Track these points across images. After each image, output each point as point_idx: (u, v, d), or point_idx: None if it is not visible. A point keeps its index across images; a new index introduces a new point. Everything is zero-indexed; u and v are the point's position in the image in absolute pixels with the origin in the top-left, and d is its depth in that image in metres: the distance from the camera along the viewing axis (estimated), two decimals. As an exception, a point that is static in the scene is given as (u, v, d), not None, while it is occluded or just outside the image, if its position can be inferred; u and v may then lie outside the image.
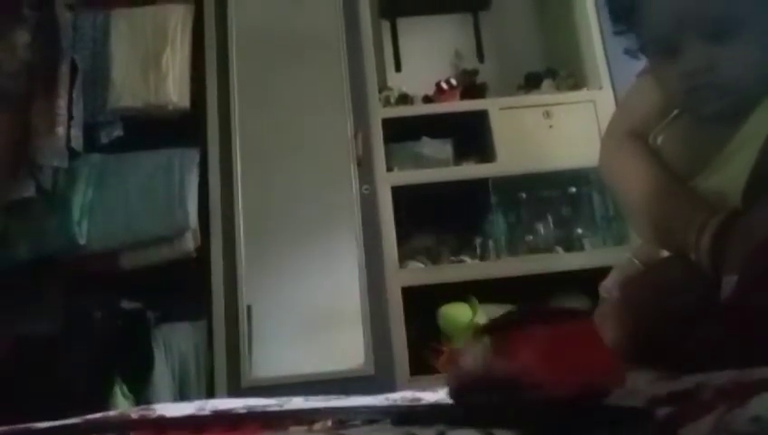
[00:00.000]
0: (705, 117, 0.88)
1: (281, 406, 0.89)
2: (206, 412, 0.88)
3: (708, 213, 0.81)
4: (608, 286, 1.08)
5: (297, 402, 0.92)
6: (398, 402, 0.85)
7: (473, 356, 0.52)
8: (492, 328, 0.50)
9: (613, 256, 2.08)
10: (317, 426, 0.66)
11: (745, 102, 0.83)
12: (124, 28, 2.43)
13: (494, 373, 0.47)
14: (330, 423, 0.66)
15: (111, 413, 0.90)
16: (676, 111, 0.95)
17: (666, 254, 0.92)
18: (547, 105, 2.47)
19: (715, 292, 0.76)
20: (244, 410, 0.85)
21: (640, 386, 0.60)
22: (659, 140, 0.98)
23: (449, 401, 0.76)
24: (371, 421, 0.63)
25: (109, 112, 2.35)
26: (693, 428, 0.42)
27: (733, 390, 0.45)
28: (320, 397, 0.97)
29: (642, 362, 0.74)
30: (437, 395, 0.88)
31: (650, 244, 0.98)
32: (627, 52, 0.92)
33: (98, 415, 0.83)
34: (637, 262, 1.03)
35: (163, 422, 0.77)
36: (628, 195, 0.98)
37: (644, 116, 0.99)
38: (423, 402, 0.82)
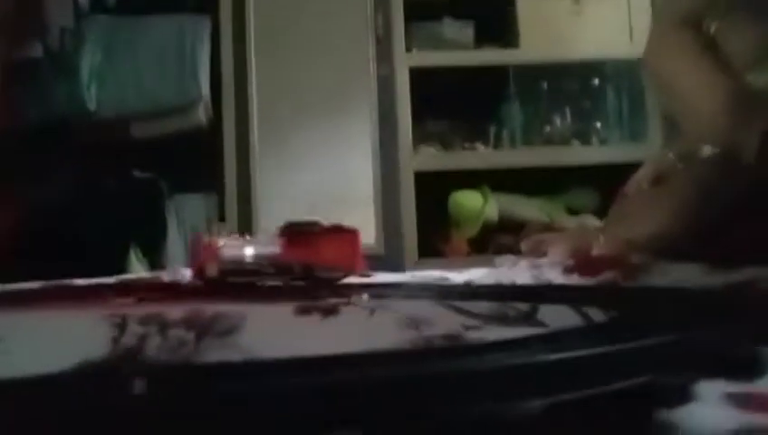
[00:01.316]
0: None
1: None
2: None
3: (763, 111, 0.79)
4: (639, 180, 1.07)
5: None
6: (434, 280, 0.85)
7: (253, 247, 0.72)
8: (283, 231, 0.74)
9: (630, 152, 2.06)
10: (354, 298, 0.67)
11: None
12: None
13: (285, 261, 0.71)
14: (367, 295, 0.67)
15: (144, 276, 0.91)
16: None
17: (709, 150, 0.90)
18: (577, -10, 2.36)
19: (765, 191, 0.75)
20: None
21: (692, 278, 0.60)
22: (713, 28, 0.94)
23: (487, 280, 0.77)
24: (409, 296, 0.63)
25: (116, -29, 2.24)
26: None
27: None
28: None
29: (682, 257, 0.73)
30: (463, 276, 0.88)
31: (696, 140, 0.96)
32: None
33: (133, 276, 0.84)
34: (673, 157, 1.01)
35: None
36: (676, 87, 0.95)
37: (698, 2, 0.95)
38: (459, 281, 0.83)
